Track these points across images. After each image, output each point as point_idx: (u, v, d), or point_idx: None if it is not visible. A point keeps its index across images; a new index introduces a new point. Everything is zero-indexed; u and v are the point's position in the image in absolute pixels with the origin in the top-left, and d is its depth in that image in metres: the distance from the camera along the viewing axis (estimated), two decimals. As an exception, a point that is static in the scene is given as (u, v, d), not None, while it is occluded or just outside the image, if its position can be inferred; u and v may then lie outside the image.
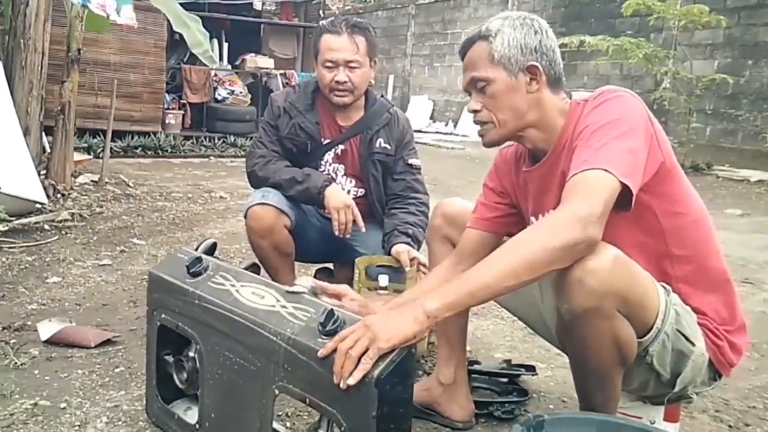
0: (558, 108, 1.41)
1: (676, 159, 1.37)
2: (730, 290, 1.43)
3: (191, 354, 1.47)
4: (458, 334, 1.68)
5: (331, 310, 1.19)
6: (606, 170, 1.20)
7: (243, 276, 1.42)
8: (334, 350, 1.11)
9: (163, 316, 1.49)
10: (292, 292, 1.31)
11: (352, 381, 1.07)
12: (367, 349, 1.09)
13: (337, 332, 1.14)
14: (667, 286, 1.34)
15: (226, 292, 1.37)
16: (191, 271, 1.44)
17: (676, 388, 1.36)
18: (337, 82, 2.13)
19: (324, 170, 2.27)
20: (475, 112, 1.43)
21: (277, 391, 1.22)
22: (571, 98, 1.43)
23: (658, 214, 1.35)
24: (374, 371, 1.08)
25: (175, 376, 1.52)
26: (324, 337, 1.15)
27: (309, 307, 1.26)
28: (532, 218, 1.52)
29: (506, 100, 1.39)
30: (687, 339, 1.32)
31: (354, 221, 2.13)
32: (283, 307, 1.28)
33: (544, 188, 1.45)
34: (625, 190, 1.21)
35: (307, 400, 1.17)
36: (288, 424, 1.62)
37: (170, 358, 1.54)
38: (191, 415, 1.49)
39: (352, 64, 2.13)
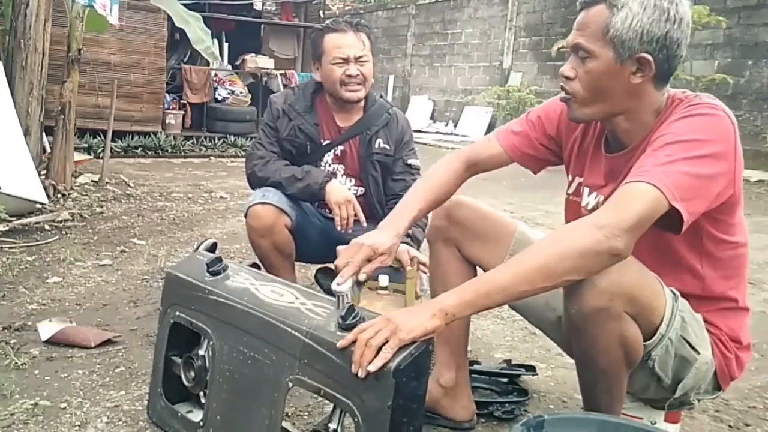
0: (655, 105, 1.30)
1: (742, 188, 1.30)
2: (745, 316, 1.43)
3: (201, 352, 1.48)
4: (460, 337, 1.67)
5: (352, 305, 1.21)
6: (657, 187, 1.13)
7: (262, 276, 1.45)
8: (354, 342, 1.12)
9: (177, 313, 1.51)
10: (338, 292, 1.32)
11: (372, 368, 1.08)
12: (386, 341, 1.10)
13: (357, 326, 1.16)
14: (676, 292, 1.32)
15: (245, 289, 1.39)
16: (211, 270, 1.46)
17: (677, 394, 1.35)
18: (349, 75, 2.14)
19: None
20: (567, 78, 1.31)
21: (290, 384, 1.24)
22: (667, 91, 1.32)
23: (705, 238, 1.32)
24: (392, 362, 1.09)
25: (182, 375, 1.53)
26: (343, 330, 1.17)
27: (328, 304, 1.29)
28: (586, 189, 1.46)
29: (600, 82, 1.27)
30: (691, 346, 1.31)
31: (356, 216, 2.13)
32: (303, 304, 1.31)
33: (612, 177, 1.36)
34: (676, 214, 1.15)
35: (322, 392, 1.19)
36: (288, 425, 1.61)
37: (178, 359, 1.54)
38: (194, 416, 1.49)
39: (362, 59, 2.16)
